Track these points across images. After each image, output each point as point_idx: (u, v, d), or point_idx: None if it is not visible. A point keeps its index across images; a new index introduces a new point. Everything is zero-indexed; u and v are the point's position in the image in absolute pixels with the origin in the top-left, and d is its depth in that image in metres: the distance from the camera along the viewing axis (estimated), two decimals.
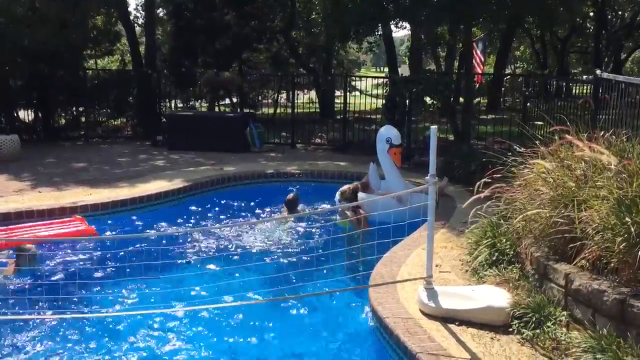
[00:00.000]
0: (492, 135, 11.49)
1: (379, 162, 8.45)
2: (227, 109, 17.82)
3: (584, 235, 4.29)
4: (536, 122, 5.42)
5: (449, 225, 6.94)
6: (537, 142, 5.34)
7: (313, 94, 21.52)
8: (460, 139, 10.70)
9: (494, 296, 4.51)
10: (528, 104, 10.17)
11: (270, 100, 20.33)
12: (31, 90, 13.23)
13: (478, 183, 5.53)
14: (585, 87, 13.49)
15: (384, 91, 15.98)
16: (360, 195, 8.08)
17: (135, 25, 19.73)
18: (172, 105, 15.82)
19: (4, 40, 11.40)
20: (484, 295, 4.52)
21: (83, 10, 12.92)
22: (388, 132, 8.35)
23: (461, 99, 15.19)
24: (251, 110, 15.85)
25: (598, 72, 7.18)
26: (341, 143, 12.37)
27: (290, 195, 7.90)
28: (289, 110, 16.96)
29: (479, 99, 14.69)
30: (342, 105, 13.82)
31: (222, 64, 17.27)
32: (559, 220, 4.53)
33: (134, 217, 7.48)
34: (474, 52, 21.01)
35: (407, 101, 10.67)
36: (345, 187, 8.18)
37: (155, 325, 4.91)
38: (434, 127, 4.52)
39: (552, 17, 10.49)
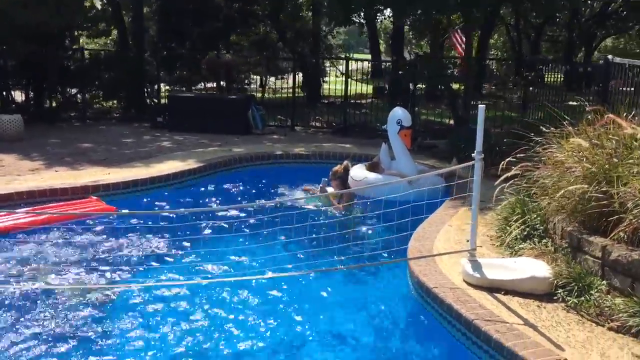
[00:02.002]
0: (491, 120, 11.74)
1: (390, 143, 8.62)
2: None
3: (622, 210, 4.56)
4: (570, 103, 5.62)
5: (468, 203, 7.15)
6: (566, 122, 5.60)
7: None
8: (461, 122, 10.95)
9: (536, 267, 4.75)
10: (531, 89, 10.46)
11: (256, 84, 20.36)
12: (25, 70, 12.99)
13: (502, 162, 5.76)
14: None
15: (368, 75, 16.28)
16: (363, 173, 8.23)
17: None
18: (158, 87, 15.68)
19: (1, 19, 11.19)
20: (526, 267, 4.76)
21: None
22: (399, 114, 8.51)
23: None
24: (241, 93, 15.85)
25: (610, 57, 7.50)
26: (341, 126, 12.50)
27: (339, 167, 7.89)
28: (275, 94, 17.21)
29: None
30: (342, 89, 13.99)
31: (209, 47, 17.23)
32: (594, 195, 4.78)
33: (156, 196, 7.56)
34: (459, 39, 21.37)
35: (411, 85, 10.85)
36: (337, 166, 8.05)
37: (216, 295, 5.08)
38: (482, 106, 4.70)
39: (552, 6, 10.74)
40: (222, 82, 17.84)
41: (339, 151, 10.19)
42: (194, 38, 17.76)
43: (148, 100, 14.94)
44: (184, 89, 16.54)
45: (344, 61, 12.78)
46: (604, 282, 4.53)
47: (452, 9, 10.12)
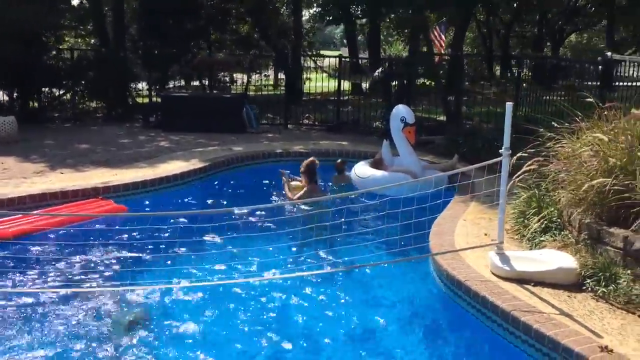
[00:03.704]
0: (479, 115, 12.01)
1: (392, 140, 8.72)
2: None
3: None
4: (587, 99, 5.82)
5: (476, 199, 7.30)
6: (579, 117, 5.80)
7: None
8: (453, 119, 11.15)
9: (563, 259, 4.92)
10: (524, 85, 10.73)
11: (236, 83, 20.27)
12: (9, 71, 12.72)
13: (514, 157, 5.91)
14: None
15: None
16: (369, 171, 8.35)
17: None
18: (150, 87, 15.53)
19: None
20: (553, 258, 4.92)
21: None
22: (403, 112, 8.61)
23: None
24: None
25: (609, 53, 7.76)
26: (335, 123, 12.60)
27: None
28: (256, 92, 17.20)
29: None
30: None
31: (191, 45, 17.12)
32: (614, 188, 4.97)
33: (166, 195, 7.64)
34: (437, 35, 21.63)
35: (406, 82, 10.99)
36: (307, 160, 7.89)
37: (239, 295, 5.10)
38: (509, 104, 4.85)
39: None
40: (204, 81, 17.83)
41: (337, 148, 10.31)
42: (176, 36, 17.62)
43: (130, 100, 14.80)
44: (157, 87, 16.28)
45: (331, 59, 12.85)
46: (628, 271, 4.72)
47: (447, 5, 10.25)
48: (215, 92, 14.81)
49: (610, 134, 5.51)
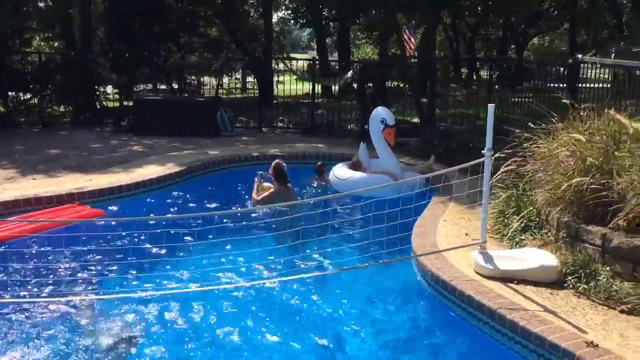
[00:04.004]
0: (452, 117, 12.17)
1: (372, 141, 8.71)
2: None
3: (621, 199, 4.89)
4: (564, 101, 5.94)
5: (455, 199, 7.39)
6: (554, 118, 5.93)
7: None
8: (426, 121, 11.27)
9: (544, 257, 5.02)
10: (497, 86, 10.92)
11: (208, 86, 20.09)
12: None
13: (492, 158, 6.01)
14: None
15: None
16: (348, 173, 8.39)
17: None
18: (120, 90, 15.28)
19: None
20: (534, 257, 5.02)
21: None
22: (382, 114, 8.60)
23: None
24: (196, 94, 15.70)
25: (579, 56, 7.95)
26: (310, 126, 12.60)
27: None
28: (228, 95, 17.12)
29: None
30: (310, 90, 14.05)
31: (160, 48, 16.91)
32: (592, 187, 5.09)
33: (143, 200, 7.51)
34: (407, 38, 21.87)
35: (380, 85, 11.06)
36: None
37: (234, 298, 5.08)
38: (491, 105, 4.92)
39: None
40: (173, 84, 17.62)
41: (313, 151, 10.32)
42: (144, 39, 17.38)
43: (98, 104, 14.55)
44: (124, 91, 15.97)
45: (301, 62, 12.86)
46: (607, 267, 4.83)
47: (417, 7, 10.36)
48: (186, 95, 14.66)
49: (585, 134, 5.66)
